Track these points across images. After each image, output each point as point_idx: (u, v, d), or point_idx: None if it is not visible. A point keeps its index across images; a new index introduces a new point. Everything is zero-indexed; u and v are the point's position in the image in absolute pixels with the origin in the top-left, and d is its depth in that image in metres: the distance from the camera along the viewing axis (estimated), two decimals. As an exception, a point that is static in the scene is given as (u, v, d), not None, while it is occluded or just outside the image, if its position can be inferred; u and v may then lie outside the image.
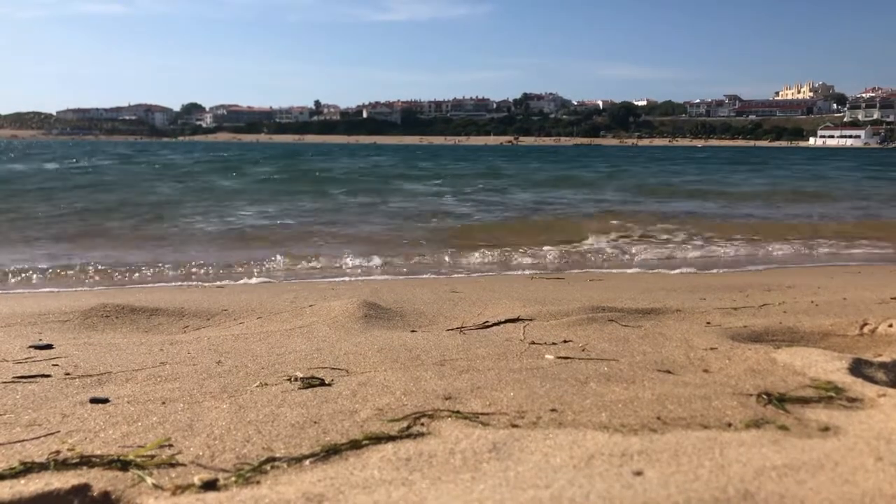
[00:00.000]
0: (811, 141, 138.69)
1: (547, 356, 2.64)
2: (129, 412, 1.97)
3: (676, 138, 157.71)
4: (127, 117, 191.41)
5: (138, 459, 1.59)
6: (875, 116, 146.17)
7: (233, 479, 1.50)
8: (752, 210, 14.15)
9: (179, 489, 1.45)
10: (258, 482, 1.49)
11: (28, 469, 1.53)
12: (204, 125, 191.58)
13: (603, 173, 28.25)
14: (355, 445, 1.68)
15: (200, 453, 1.65)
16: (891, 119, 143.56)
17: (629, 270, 7.08)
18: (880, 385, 2.14)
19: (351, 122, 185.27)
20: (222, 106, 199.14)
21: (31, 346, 2.97)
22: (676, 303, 4.05)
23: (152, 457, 1.62)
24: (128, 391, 2.22)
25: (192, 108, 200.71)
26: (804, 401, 2.00)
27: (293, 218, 11.91)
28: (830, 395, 2.04)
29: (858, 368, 2.28)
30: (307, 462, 1.59)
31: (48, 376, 2.43)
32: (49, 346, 2.97)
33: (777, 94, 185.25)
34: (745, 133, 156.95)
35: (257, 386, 2.27)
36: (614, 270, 7.07)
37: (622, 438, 1.70)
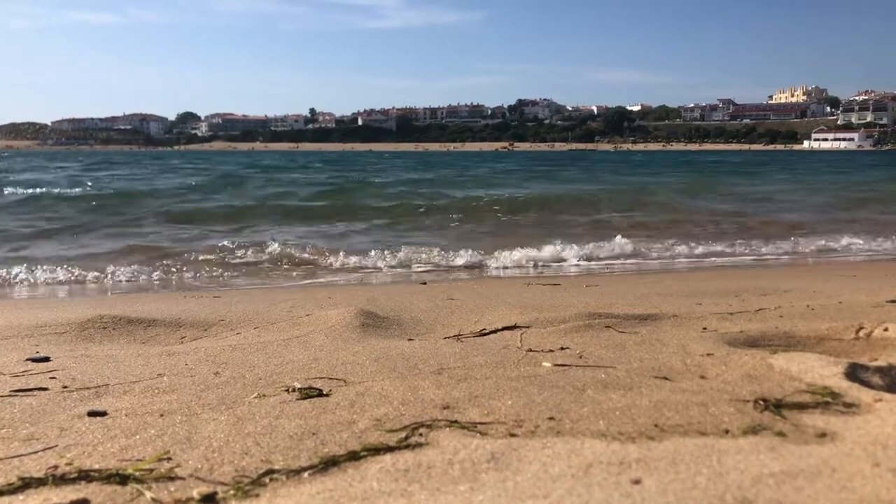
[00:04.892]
0: (805, 144, 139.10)
1: (544, 364, 2.64)
2: (128, 425, 1.96)
3: (671, 142, 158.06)
4: (122, 127, 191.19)
5: (137, 473, 1.59)
6: (868, 119, 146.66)
7: (232, 492, 1.50)
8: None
9: (179, 503, 1.45)
10: (257, 495, 1.48)
11: (26, 484, 1.53)
12: (199, 134, 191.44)
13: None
14: (354, 457, 1.68)
15: (199, 466, 1.64)
16: (884, 121, 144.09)
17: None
18: (876, 390, 2.14)
19: (346, 129, 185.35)
20: (217, 114, 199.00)
21: (28, 359, 2.96)
22: (673, 308, 4.05)
23: (151, 470, 1.61)
24: (126, 404, 2.22)
25: (188, 117, 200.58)
26: (801, 406, 2.00)
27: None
28: (827, 400, 2.04)
29: (855, 373, 2.28)
30: (306, 474, 1.59)
31: (45, 389, 2.42)
32: (46, 359, 2.97)
33: (771, 97, 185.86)
34: (739, 137, 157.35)
35: (255, 397, 2.26)
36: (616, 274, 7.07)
37: (620, 447, 1.70)
